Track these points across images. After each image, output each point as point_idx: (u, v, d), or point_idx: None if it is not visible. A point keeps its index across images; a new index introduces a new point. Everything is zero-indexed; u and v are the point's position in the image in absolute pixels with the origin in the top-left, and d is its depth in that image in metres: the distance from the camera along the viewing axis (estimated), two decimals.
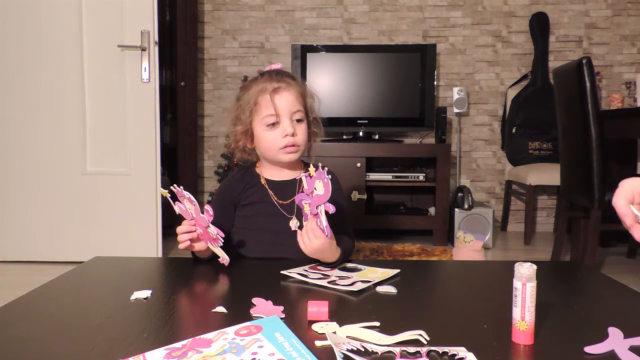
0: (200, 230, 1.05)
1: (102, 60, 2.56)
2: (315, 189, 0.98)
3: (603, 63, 3.51)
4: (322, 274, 0.99)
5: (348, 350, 0.64)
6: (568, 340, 0.70)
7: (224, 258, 1.06)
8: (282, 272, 0.99)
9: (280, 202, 1.19)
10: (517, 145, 3.41)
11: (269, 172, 1.23)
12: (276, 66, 1.25)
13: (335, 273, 1.01)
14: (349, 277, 0.97)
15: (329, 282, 0.93)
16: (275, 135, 1.15)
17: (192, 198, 1.02)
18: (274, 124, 1.15)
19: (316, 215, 1.00)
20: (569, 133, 2.35)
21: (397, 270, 1.01)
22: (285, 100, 1.16)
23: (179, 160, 3.38)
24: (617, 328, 0.70)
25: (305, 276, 0.97)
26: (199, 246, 1.07)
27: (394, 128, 3.41)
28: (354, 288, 0.89)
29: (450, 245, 3.04)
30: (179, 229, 1.06)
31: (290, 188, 1.21)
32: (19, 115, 2.57)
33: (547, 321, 0.74)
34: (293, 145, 1.16)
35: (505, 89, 3.55)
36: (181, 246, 1.06)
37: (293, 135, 1.16)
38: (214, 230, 1.03)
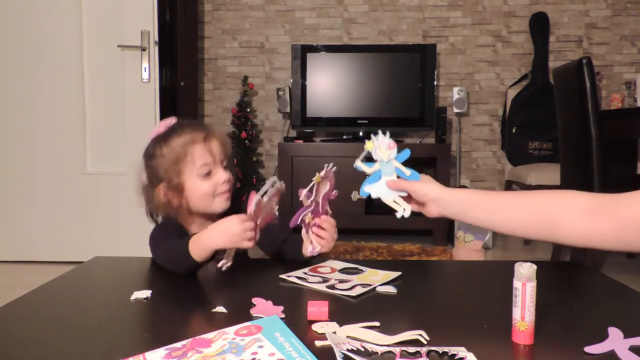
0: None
1: (102, 60, 2.56)
2: (314, 192, 1.02)
3: (603, 63, 3.50)
4: (322, 277, 0.99)
5: (348, 350, 0.64)
6: (568, 340, 0.70)
7: (229, 262, 0.98)
8: (280, 276, 0.99)
9: None
10: (517, 145, 3.41)
11: (198, 228, 1.13)
12: (171, 120, 1.18)
13: (335, 276, 1.00)
14: (349, 281, 0.96)
15: (327, 287, 0.92)
16: (211, 183, 1.10)
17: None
18: (208, 173, 1.10)
19: (318, 211, 1.04)
20: (569, 133, 2.35)
21: (399, 273, 1.00)
22: (217, 148, 1.12)
23: None
24: (617, 328, 0.70)
25: (305, 279, 0.97)
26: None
27: (394, 128, 3.40)
28: (353, 293, 0.89)
29: (450, 245, 3.04)
30: (252, 225, 0.95)
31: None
32: (19, 115, 2.56)
33: (547, 321, 0.74)
34: (229, 192, 1.12)
35: (505, 89, 3.54)
36: (249, 244, 0.97)
37: (229, 181, 1.12)
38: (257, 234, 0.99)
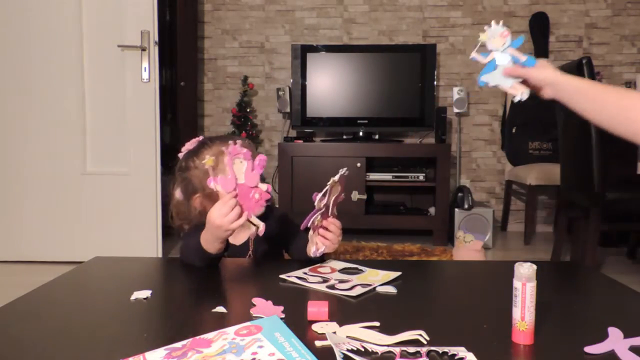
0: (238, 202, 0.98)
1: (102, 60, 2.56)
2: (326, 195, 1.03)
3: (603, 63, 3.50)
4: (322, 277, 0.99)
5: (348, 350, 0.64)
6: (568, 340, 0.70)
7: (259, 226, 0.98)
8: (280, 276, 0.99)
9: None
10: (517, 145, 3.41)
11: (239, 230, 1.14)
12: (199, 138, 1.27)
13: (335, 276, 1.00)
14: (349, 281, 0.96)
15: (327, 287, 0.93)
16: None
17: (249, 150, 0.97)
18: None
19: (327, 213, 1.06)
20: (569, 133, 2.35)
21: (399, 273, 1.00)
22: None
23: None
24: (617, 328, 0.70)
25: (305, 279, 0.97)
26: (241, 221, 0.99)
27: (394, 128, 3.41)
28: (353, 293, 0.89)
29: (450, 245, 3.04)
30: (227, 207, 0.96)
31: (243, 246, 1.21)
32: (19, 115, 2.56)
33: (547, 321, 0.74)
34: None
35: None
36: (239, 222, 0.98)
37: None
38: (264, 185, 0.98)
